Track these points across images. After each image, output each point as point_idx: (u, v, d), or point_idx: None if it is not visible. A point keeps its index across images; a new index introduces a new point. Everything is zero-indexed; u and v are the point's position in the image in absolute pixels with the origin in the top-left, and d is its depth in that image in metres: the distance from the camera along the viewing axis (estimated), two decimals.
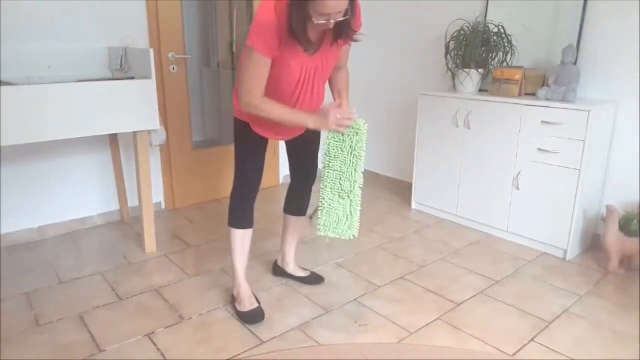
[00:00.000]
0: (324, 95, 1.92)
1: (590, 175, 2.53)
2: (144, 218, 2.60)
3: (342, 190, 1.80)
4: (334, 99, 1.93)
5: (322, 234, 1.83)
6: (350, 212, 1.80)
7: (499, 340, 1.90)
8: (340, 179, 1.80)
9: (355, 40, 1.74)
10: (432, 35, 3.37)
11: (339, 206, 1.81)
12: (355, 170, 1.79)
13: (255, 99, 1.67)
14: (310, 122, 1.73)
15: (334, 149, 1.81)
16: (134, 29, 2.89)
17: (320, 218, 1.83)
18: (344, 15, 1.54)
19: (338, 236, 1.82)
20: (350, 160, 1.79)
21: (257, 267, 2.48)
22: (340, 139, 1.81)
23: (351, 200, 1.80)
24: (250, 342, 1.86)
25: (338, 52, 1.80)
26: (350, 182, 1.79)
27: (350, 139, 1.79)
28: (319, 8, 1.48)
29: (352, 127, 1.80)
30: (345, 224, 1.80)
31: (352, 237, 1.80)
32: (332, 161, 1.81)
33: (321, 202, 1.83)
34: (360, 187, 1.80)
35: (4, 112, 2.02)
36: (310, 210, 2.21)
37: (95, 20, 2.74)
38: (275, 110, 1.69)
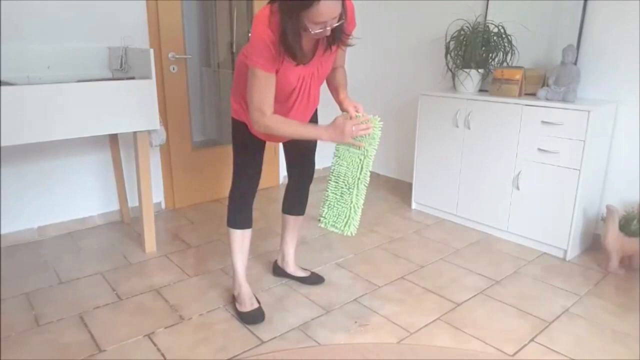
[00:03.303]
0: (319, 99, 1.92)
1: (590, 175, 2.53)
2: (144, 218, 2.60)
3: (346, 185, 1.79)
4: (333, 96, 1.92)
5: (322, 225, 1.84)
6: (352, 209, 1.79)
7: (499, 340, 1.90)
8: (346, 174, 1.80)
9: (349, 45, 1.73)
10: (432, 35, 3.37)
11: (341, 201, 1.80)
12: (362, 167, 1.77)
13: (267, 118, 1.67)
14: (325, 135, 1.72)
15: (344, 144, 1.80)
16: (134, 29, 2.89)
17: (322, 209, 1.84)
18: (339, 20, 1.53)
19: (336, 230, 1.81)
20: (359, 156, 1.78)
21: (257, 267, 2.48)
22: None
23: (354, 198, 1.78)
24: (250, 342, 1.86)
25: (333, 56, 1.79)
26: (355, 179, 1.78)
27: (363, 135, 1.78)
28: (313, 17, 1.46)
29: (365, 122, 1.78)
30: (344, 220, 1.79)
31: (350, 235, 1.79)
32: (341, 156, 1.81)
33: (325, 194, 1.84)
34: (365, 186, 1.78)
35: (4, 112, 2.02)
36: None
37: (95, 20, 2.74)
38: (289, 127, 1.70)
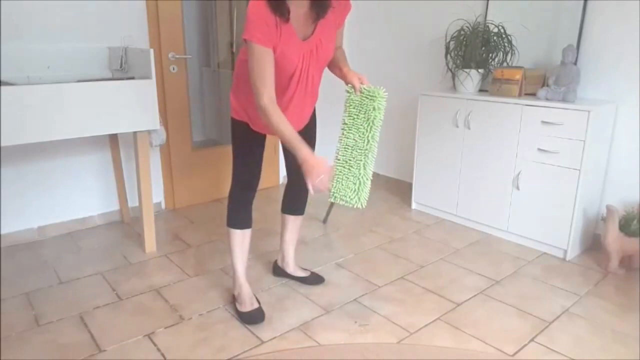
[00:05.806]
0: (318, 92, 1.91)
1: (590, 175, 2.53)
2: (144, 218, 2.60)
3: (354, 158, 1.78)
4: (337, 74, 1.91)
5: (331, 199, 1.80)
6: (361, 181, 1.77)
7: (499, 340, 1.90)
8: (353, 147, 1.79)
9: (329, 6, 1.70)
10: (432, 35, 3.37)
11: (349, 174, 1.79)
12: (369, 139, 1.77)
13: (267, 101, 1.64)
14: (301, 155, 1.66)
15: (350, 116, 1.79)
16: (134, 29, 2.89)
17: (331, 184, 1.80)
18: None
19: (346, 203, 1.79)
20: (365, 128, 1.77)
21: (257, 267, 2.48)
22: (357, 106, 1.79)
23: (363, 170, 1.77)
24: (250, 342, 1.86)
25: (333, 38, 1.79)
26: (363, 151, 1.77)
27: (367, 105, 1.77)
28: None
29: (370, 93, 1.78)
30: (354, 192, 1.77)
31: (360, 207, 1.77)
32: (348, 129, 1.80)
33: (334, 168, 1.81)
34: (373, 156, 1.78)
35: (4, 112, 2.03)
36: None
37: (95, 20, 2.74)
38: (280, 124, 1.65)
